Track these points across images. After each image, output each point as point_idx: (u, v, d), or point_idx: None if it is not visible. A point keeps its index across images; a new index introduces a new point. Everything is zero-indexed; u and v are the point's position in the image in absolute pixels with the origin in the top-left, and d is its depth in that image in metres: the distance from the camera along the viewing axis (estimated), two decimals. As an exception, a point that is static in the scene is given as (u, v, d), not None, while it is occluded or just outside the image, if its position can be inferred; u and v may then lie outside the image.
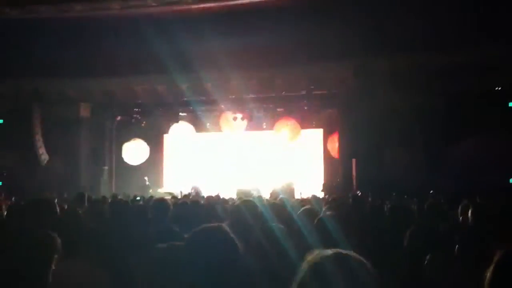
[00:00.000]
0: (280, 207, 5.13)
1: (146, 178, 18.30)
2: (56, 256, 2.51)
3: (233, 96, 16.36)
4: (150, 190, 17.67)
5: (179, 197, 11.69)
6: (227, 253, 2.15)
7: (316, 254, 1.50)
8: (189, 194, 14.10)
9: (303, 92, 16.13)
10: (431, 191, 10.24)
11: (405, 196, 9.52)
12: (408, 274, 3.22)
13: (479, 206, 4.29)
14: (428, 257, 3.09)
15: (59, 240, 2.58)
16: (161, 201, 5.06)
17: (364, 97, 14.08)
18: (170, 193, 13.68)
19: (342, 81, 14.57)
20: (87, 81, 15.05)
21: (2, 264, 2.53)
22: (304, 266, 1.48)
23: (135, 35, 12.58)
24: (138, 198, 10.33)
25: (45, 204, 3.68)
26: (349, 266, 1.44)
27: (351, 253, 1.50)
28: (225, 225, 2.35)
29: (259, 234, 3.20)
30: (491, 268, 1.52)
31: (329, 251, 1.49)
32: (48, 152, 16.33)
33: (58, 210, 3.72)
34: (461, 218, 4.68)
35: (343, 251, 1.50)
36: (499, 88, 13.87)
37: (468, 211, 4.25)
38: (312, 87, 15.48)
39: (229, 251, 2.16)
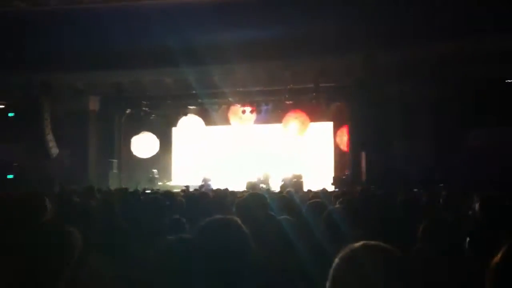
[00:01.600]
0: (288, 200, 5.12)
1: (155, 170, 18.35)
2: (74, 256, 2.18)
3: (241, 89, 16.33)
4: (159, 183, 17.74)
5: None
6: (239, 245, 2.14)
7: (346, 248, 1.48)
8: (200, 186, 14.13)
9: (312, 85, 16.06)
10: (441, 184, 10.17)
11: (415, 190, 9.45)
12: (419, 267, 3.19)
13: (487, 199, 4.22)
14: (439, 251, 3.06)
15: (79, 237, 2.26)
16: (168, 193, 5.06)
17: (372, 89, 13.99)
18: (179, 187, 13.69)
19: (350, 73, 14.48)
20: (96, 74, 15.03)
21: (13, 262, 2.28)
22: (336, 260, 1.47)
23: (144, 28, 12.54)
24: (147, 191, 10.34)
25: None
26: (381, 255, 1.43)
27: (379, 243, 1.49)
28: (236, 218, 2.33)
29: (267, 226, 3.18)
30: (497, 258, 1.49)
31: (358, 244, 1.48)
32: (57, 145, 16.40)
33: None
34: (472, 211, 4.63)
35: (371, 242, 1.49)
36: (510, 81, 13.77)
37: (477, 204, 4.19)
38: (320, 79, 15.41)
39: (241, 243, 2.15)
